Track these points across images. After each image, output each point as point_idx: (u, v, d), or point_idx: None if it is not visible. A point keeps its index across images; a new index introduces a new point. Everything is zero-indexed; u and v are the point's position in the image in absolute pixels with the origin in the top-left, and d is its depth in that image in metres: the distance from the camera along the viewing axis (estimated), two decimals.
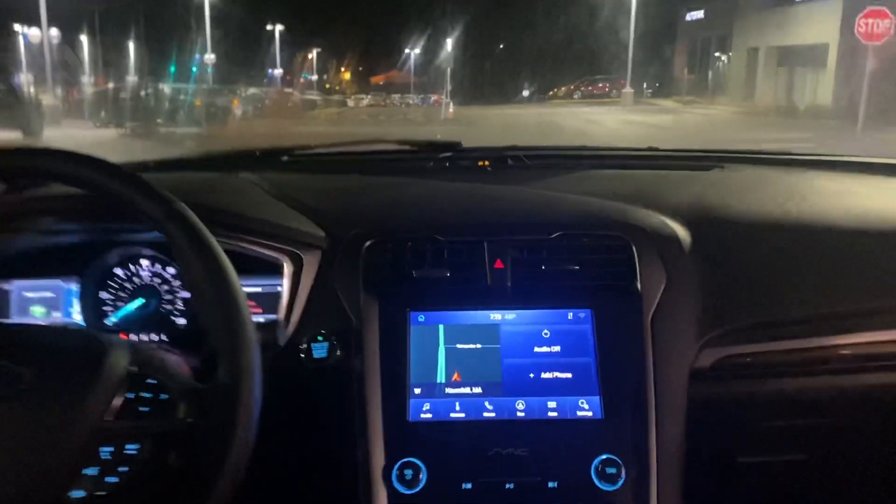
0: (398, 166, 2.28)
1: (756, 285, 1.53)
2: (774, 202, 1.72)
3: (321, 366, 1.48)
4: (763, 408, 1.65)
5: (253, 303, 1.65)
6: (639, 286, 1.53)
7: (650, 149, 2.32)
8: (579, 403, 1.46)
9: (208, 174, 2.00)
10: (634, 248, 1.56)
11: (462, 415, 1.46)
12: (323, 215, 1.66)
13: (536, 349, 1.51)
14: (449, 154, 2.18)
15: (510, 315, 1.53)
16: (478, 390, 1.47)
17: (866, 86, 17.69)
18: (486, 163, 2.15)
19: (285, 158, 2.19)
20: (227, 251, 1.09)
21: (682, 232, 1.64)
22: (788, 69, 30.89)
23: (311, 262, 1.58)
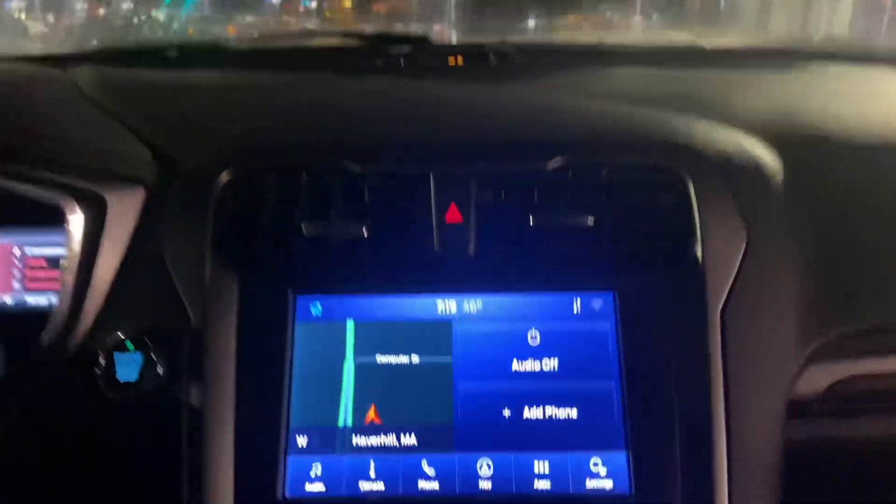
0: (339, 63, 1.54)
1: None
2: None
3: (129, 395, 0.82)
4: (886, 454, 1.00)
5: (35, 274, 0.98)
6: (699, 253, 0.86)
7: (692, 46, 1.59)
8: (591, 466, 0.81)
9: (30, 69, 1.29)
10: (692, 187, 0.89)
11: (380, 485, 0.81)
12: (165, 130, 0.97)
13: (517, 365, 0.85)
14: (407, 50, 1.45)
15: (472, 303, 0.87)
16: (410, 440, 0.83)
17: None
18: (459, 59, 1.42)
19: (174, 54, 1.47)
20: None
21: (769, 159, 0.96)
22: None
23: (122, 209, 0.90)
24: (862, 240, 0.93)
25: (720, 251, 0.88)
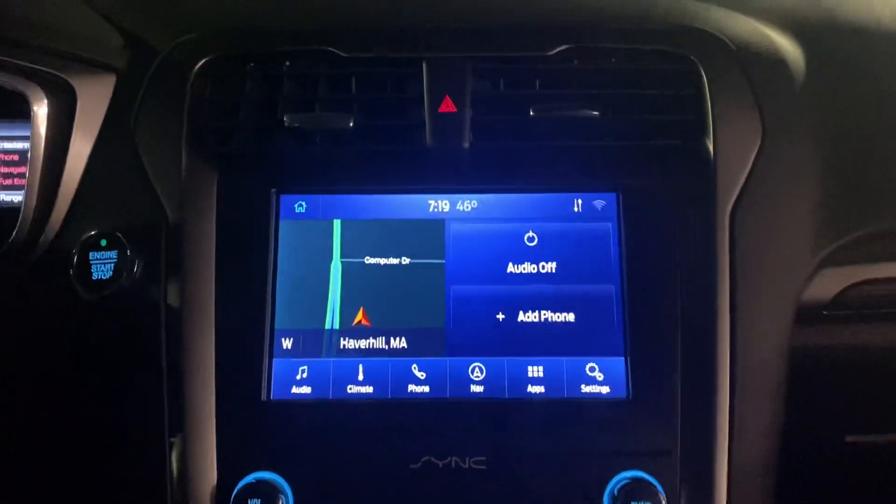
0: None
1: None
2: None
3: (102, 295, 0.78)
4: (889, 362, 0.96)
5: None
6: (711, 149, 0.80)
7: None
8: (587, 370, 0.78)
9: None
10: (705, 76, 0.81)
11: (368, 389, 0.78)
12: (137, 13, 0.89)
13: (512, 268, 0.81)
14: None
15: (467, 202, 0.82)
16: (400, 343, 0.79)
17: None
18: None
19: None
20: None
21: (791, 50, 0.88)
22: None
23: (92, 98, 0.84)
24: (884, 136, 0.87)
25: (733, 147, 0.81)
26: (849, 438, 1.02)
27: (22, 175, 0.92)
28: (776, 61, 0.87)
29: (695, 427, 0.76)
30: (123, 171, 0.83)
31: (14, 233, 0.81)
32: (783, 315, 0.81)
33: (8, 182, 0.94)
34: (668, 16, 0.88)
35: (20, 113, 0.85)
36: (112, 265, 0.79)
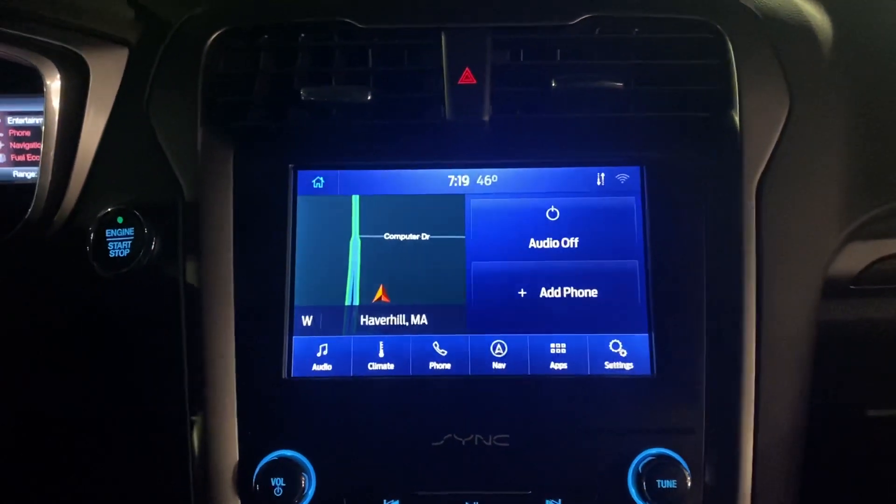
0: None
1: None
2: None
3: (121, 272, 0.78)
4: None
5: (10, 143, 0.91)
6: (737, 120, 0.78)
7: None
8: (611, 347, 0.77)
9: None
10: (731, 46, 0.79)
11: (389, 366, 0.78)
12: None
13: (534, 243, 0.79)
14: None
15: (487, 177, 0.81)
16: (421, 319, 0.78)
17: None
18: None
19: None
20: None
21: (819, 18, 0.86)
22: None
23: (105, 72, 0.82)
24: None
25: (760, 119, 0.79)
26: (871, 412, 1.01)
27: (36, 151, 0.91)
28: (803, 30, 0.85)
29: (720, 404, 0.76)
30: (138, 147, 0.81)
31: (30, 210, 0.80)
32: (810, 290, 0.80)
33: (21, 158, 0.93)
34: None
35: (32, 87, 0.84)
36: (129, 243, 0.78)
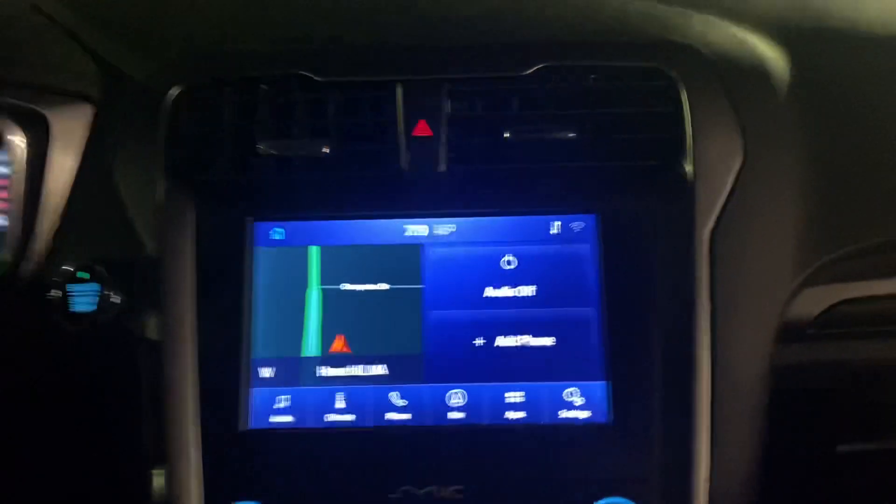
0: None
1: None
2: None
3: (85, 327, 0.79)
4: (878, 375, 0.95)
5: None
6: (688, 170, 0.79)
7: None
8: (565, 396, 0.78)
9: None
10: (684, 92, 0.80)
11: (349, 417, 0.78)
12: (110, 38, 0.89)
13: (489, 292, 0.80)
14: None
15: (444, 227, 0.82)
16: (379, 370, 0.79)
17: None
18: None
19: None
20: None
21: (773, 57, 0.87)
22: None
23: (67, 128, 0.84)
24: (870, 150, 0.85)
25: (713, 167, 0.80)
26: (840, 448, 1.01)
27: (4, 200, 0.92)
28: (759, 73, 0.85)
29: (675, 451, 0.76)
30: (103, 201, 0.83)
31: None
32: (764, 336, 0.80)
33: None
34: (646, 28, 0.86)
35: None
36: (92, 298, 0.79)
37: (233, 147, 0.82)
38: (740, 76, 0.84)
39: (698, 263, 0.78)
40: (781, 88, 0.85)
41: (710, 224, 0.79)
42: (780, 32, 0.89)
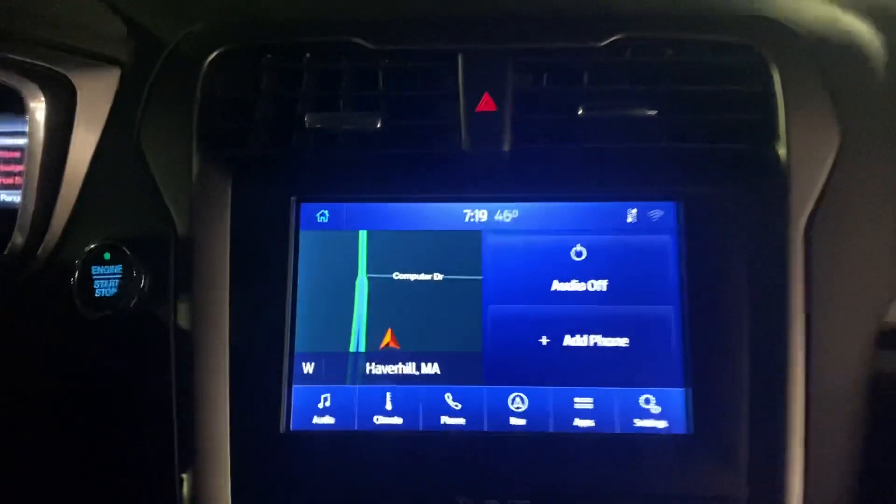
0: None
1: None
2: None
3: (107, 313, 0.71)
4: None
5: None
6: (782, 154, 0.70)
7: None
8: (642, 402, 0.70)
9: None
10: (777, 72, 0.72)
11: (397, 419, 0.71)
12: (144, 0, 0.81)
13: (558, 286, 0.72)
14: None
15: (506, 212, 0.74)
16: (433, 368, 0.71)
17: None
18: None
19: None
20: None
21: (870, 39, 0.79)
22: None
23: (94, 95, 0.76)
24: None
25: (808, 152, 0.72)
26: None
27: (20, 174, 0.85)
28: (854, 54, 0.77)
29: (764, 467, 0.68)
30: (129, 175, 0.75)
31: (11, 240, 0.74)
32: (863, 340, 0.72)
33: (9, 181, 0.87)
34: (734, 2, 0.78)
35: (16, 106, 0.78)
36: (116, 281, 0.71)
37: (275, 119, 0.75)
38: (834, 56, 0.76)
39: (792, 258, 0.70)
40: (879, 72, 0.77)
41: (806, 215, 0.71)
42: (877, 11, 0.81)
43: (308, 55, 0.76)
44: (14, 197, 0.86)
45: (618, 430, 0.70)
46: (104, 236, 0.73)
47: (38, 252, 0.75)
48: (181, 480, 0.69)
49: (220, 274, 0.72)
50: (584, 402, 0.70)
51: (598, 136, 0.73)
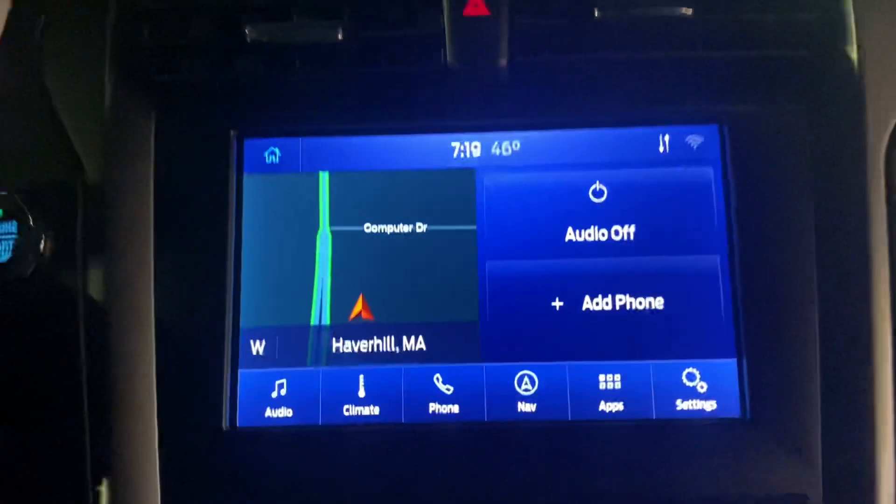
0: None
1: None
2: None
3: (4, 286, 0.56)
4: None
5: None
6: (854, 59, 0.57)
7: None
8: (685, 378, 0.56)
9: None
10: None
11: (373, 409, 0.56)
12: None
13: (573, 235, 0.58)
14: None
15: (505, 144, 0.60)
16: (417, 344, 0.57)
17: None
18: None
19: None
20: None
21: None
22: None
23: None
24: None
25: (887, 58, 0.58)
26: None
27: None
28: None
29: (842, 461, 0.54)
30: (25, 109, 0.61)
31: None
32: None
33: None
34: None
35: None
36: (10, 243, 0.57)
37: (211, 34, 0.60)
38: None
39: (872, 191, 0.56)
40: None
41: (887, 136, 0.57)
42: None
43: None
44: None
45: (654, 416, 0.56)
46: None
47: None
48: (97, 494, 0.55)
49: (143, 232, 0.58)
50: (610, 381, 0.56)
51: (618, 45, 0.59)
